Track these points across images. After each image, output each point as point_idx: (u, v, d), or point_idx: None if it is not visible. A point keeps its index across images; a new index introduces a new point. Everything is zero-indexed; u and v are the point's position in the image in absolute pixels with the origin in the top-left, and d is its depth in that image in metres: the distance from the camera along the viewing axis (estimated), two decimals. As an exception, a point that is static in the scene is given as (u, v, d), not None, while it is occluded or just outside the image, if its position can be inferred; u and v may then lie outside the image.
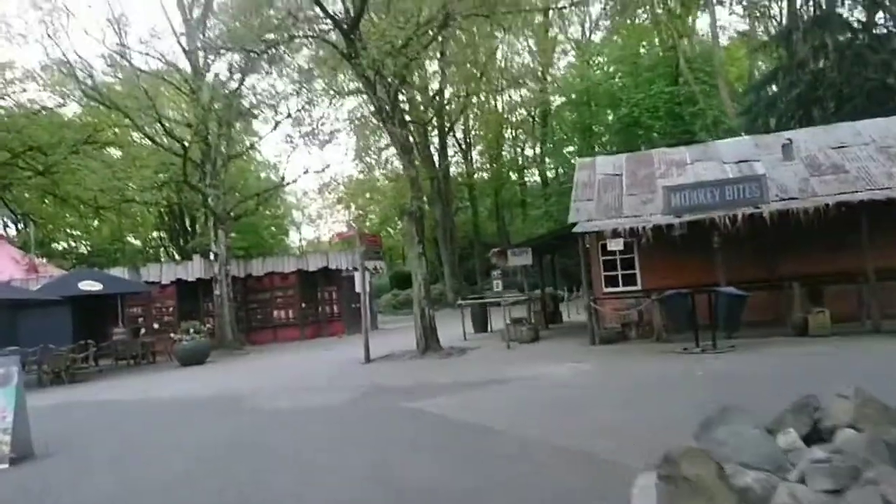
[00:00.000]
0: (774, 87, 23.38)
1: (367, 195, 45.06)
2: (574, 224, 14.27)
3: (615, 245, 12.55)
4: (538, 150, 44.75)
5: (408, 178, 14.04)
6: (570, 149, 40.12)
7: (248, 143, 23.28)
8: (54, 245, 40.28)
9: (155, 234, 45.39)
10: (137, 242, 44.72)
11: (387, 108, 13.34)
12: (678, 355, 10.43)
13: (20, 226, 37.24)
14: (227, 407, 9.54)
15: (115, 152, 29.65)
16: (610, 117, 34.17)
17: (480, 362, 11.94)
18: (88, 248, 42.01)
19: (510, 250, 15.45)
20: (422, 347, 13.54)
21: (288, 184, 22.87)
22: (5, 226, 36.46)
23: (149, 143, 21.87)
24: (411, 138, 14.13)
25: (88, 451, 7.27)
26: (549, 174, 44.28)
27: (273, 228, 48.80)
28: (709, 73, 29.84)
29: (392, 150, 45.14)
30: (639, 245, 13.79)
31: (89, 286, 16.94)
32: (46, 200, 28.04)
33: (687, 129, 28.22)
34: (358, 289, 13.79)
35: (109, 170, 20.36)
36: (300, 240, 60.10)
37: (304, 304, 23.81)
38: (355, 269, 25.02)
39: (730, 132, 24.93)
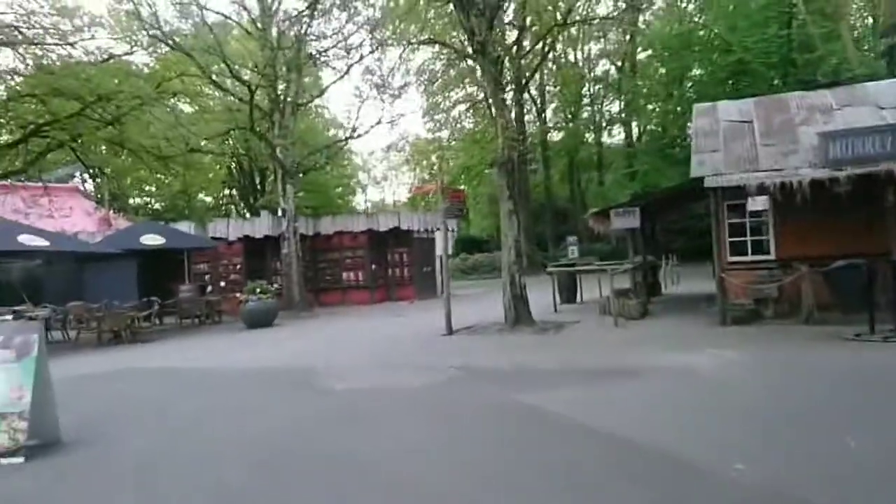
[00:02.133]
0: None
1: (434, 157, 43.31)
2: (697, 180, 11.98)
3: (758, 204, 10.25)
4: (620, 106, 41.53)
5: (499, 121, 12.02)
6: (653, 106, 36.77)
7: (318, 91, 21.62)
8: (130, 200, 40.57)
9: (226, 191, 45.24)
10: (208, 199, 44.66)
11: (478, 38, 11.29)
12: (850, 343, 8.19)
13: (96, 179, 37.49)
14: (294, 384, 8.03)
15: (184, 106, 28.86)
16: (702, 70, 30.75)
17: (588, 343, 10.00)
18: (162, 204, 42.13)
19: (614, 211, 13.29)
20: (511, 320, 11.70)
21: (359, 135, 21.18)
22: (82, 180, 36.74)
23: (216, 93, 20.57)
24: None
25: (125, 441, 5.84)
26: (634, 133, 41.16)
27: (340, 189, 47.86)
28: (829, 15, 26.10)
29: (460, 108, 43.37)
30: (775, 205, 11.43)
31: (152, 240, 15.91)
32: (116, 152, 27.41)
33: (802, 79, 24.78)
34: (439, 250, 12.07)
35: (175, 118, 19.18)
36: (366, 201, 59.20)
37: (373, 266, 22.39)
38: (431, 229, 23.58)
39: (855, 81, 21.59)
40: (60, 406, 6.06)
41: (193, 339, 14.62)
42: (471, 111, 43.68)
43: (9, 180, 24.63)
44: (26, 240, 12.35)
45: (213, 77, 18.66)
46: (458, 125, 43.15)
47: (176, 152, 20.04)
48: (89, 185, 37.86)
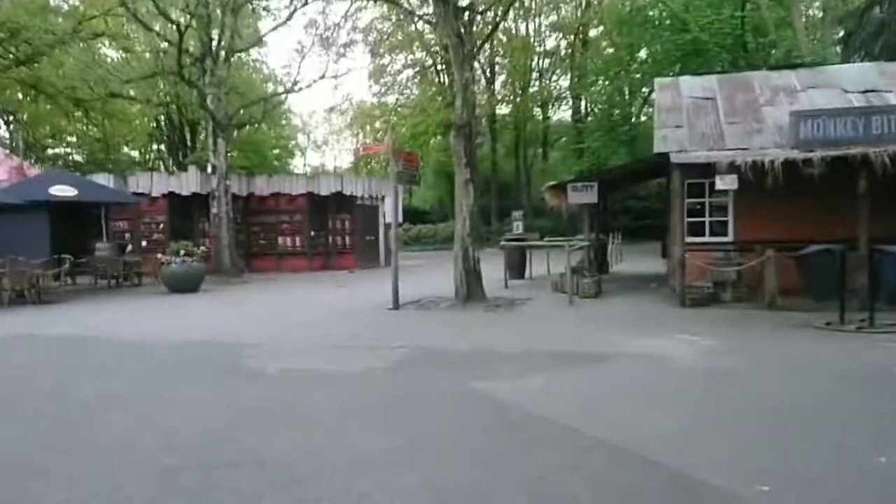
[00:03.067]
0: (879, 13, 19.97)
1: (380, 123, 41.78)
2: (659, 155, 11.45)
3: (727, 183, 9.73)
4: (569, 82, 40.99)
5: (460, 79, 11.04)
6: (603, 84, 36.38)
7: (255, 39, 19.91)
8: (49, 151, 37.30)
9: (154, 146, 42.33)
10: (134, 153, 41.69)
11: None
12: (823, 332, 7.83)
13: (9, 126, 34.19)
14: (218, 364, 6.98)
15: (109, 51, 26.31)
16: (654, 49, 30.51)
17: (546, 322, 9.34)
18: (83, 156, 38.97)
19: (571, 185, 12.64)
20: (462, 295, 10.92)
21: (300, 89, 19.76)
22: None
23: (143, 35, 18.62)
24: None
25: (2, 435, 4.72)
26: (583, 110, 40.81)
27: (277, 151, 45.65)
28: (781, 0, 26.20)
29: (408, 74, 41.86)
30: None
31: (62, 191, 14.20)
32: (31, 97, 24.78)
33: (752, 63, 24.83)
34: (389, 217, 11.15)
35: (92, 57, 17.21)
36: (305, 165, 56.96)
37: (313, 233, 21.13)
38: (375, 196, 22.41)
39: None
40: None
41: (107, 303, 13.18)
42: (418, 78, 42.36)
43: None
44: None
45: (139, 16, 16.74)
46: (406, 91, 41.75)
47: (94, 96, 18.06)
48: (3, 132, 34.55)
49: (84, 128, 33.56)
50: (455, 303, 10.91)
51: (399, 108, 39.11)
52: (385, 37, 38.32)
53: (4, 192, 14.35)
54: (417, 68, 40.90)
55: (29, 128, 32.83)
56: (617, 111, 34.38)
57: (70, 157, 38.84)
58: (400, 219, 11.15)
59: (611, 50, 34.77)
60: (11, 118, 32.11)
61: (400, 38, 38.37)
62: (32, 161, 27.94)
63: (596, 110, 38.43)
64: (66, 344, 8.38)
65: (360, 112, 42.32)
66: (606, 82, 35.04)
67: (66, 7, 22.53)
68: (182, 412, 5.12)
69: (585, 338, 7.86)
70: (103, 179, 19.61)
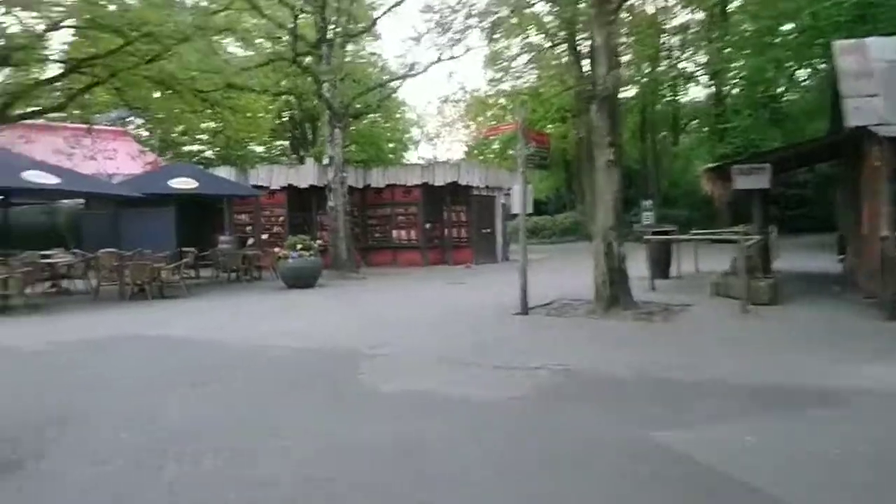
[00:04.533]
0: None
1: (492, 112, 40.34)
2: (849, 130, 9.21)
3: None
4: (703, 59, 37.36)
5: (603, 45, 9.41)
6: (746, 59, 32.65)
7: (369, 22, 19.16)
8: (185, 148, 39.26)
9: (277, 142, 43.56)
10: (259, 149, 43.11)
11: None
12: None
13: (147, 123, 36.15)
14: (329, 380, 5.94)
15: (234, 49, 26.78)
16: (804, 18, 26.72)
17: (719, 337, 7.58)
18: (214, 152, 40.73)
19: (737, 168, 10.59)
20: (604, 299, 9.29)
21: (416, 74, 18.65)
22: (136, 125, 35.38)
23: (259, 21, 18.35)
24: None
25: (68, 471, 3.83)
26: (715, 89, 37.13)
27: (392, 145, 45.54)
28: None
29: (523, 59, 40.04)
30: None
31: (182, 184, 14.03)
32: (160, 91, 25.57)
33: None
34: (516, 208, 9.68)
35: (208, 44, 17.12)
36: (419, 158, 56.74)
37: (427, 225, 20.18)
38: (492, 187, 21.10)
39: None
40: (27, 390, 4.14)
41: (224, 299, 12.80)
42: (533, 64, 40.45)
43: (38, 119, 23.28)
44: (32, 176, 10.56)
45: (254, 1, 16.39)
46: (520, 78, 40.00)
47: (212, 86, 18.02)
48: (140, 130, 36.65)
49: (212, 124, 34.81)
50: (595, 308, 9.32)
51: (517, 95, 37.42)
52: (502, 20, 36.81)
53: (127, 186, 14.43)
54: (533, 53, 39.09)
55: (163, 125, 34.48)
56: (762, 88, 30.73)
57: (201, 154, 40.75)
58: (530, 208, 9.69)
59: (748, 26, 31.13)
60: (146, 113, 33.84)
61: (515, 21, 36.75)
62: (168, 158, 29.17)
63: (736, 89, 34.77)
64: (171, 348, 7.72)
65: (474, 101, 41.07)
66: (749, 58, 31.44)
67: (188, 2, 22.82)
68: (278, 450, 4.03)
69: (789, 363, 6.06)
70: (225, 173, 19.72)
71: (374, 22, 19.77)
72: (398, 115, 44.54)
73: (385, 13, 18.21)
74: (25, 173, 10.44)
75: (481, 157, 41.35)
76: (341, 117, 17.40)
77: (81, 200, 21.85)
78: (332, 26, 16.80)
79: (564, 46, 34.52)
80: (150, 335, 8.42)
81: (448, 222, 20.54)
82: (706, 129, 36.54)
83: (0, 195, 12.11)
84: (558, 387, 5.47)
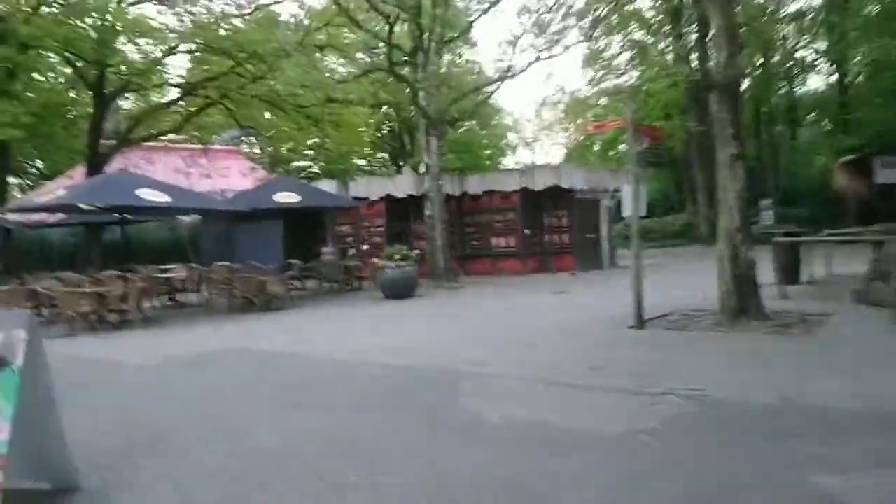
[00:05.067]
0: None
1: (591, 113, 39.01)
2: None
3: None
4: (823, 47, 34.23)
5: (723, 27, 8.50)
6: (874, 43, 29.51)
7: (463, 27, 18.88)
8: (294, 164, 40.88)
9: (378, 155, 44.47)
10: (361, 161, 44.16)
11: None
12: None
13: (257, 141, 37.95)
14: (426, 402, 5.54)
15: (322, 55, 27.46)
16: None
17: (873, 354, 6.50)
18: (320, 166, 42.13)
19: (881, 160, 9.26)
20: (731, 309, 8.33)
21: (512, 76, 18.14)
22: (248, 143, 37.23)
23: (356, 34, 18.57)
24: None
25: (164, 496, 3.62)
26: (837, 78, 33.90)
27: (489, 151, 45.22)
28: None
29: (624, 57, 38.42)
30: None
31: (286, 198, 14.29)
32: (267, 110, 26.63)
33: None
34: (627, 210, 8.90)
35: (308, 60, 17.46)
36: (516, 164, 56.08)
37: (527, 231, 19.56)
38: (596, 189, 20.13)
39: None
40: (126, 409, 4.04)
41: (325, 310, 12.82)
42: (636, 60, 38.75)
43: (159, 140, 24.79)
44: (146, 194, 11.02)
45: (350, 13, 16.54)
46: (623, 75, 38.42)
47: (313, 101, 18.38)
48: (255, 150, 38.45)
49: (316, 140, 35.96)
50: (721, 320, 8.37)
51: (619, 93, 35.97)
52: (600, 19, 35.54)
53: (235, 201, 14.89)
54: (635, 49, 37.44)
55: (272, 143, 36.00)
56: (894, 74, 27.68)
57: (308, 169, 42.26)
58: (643, 210, 8.91)
59: (872, 7, 28.08)
60: (255, 132, 35.46)
61: (614, 21, 35.36)
62: (278, 173, 30.37)
63: (862, 77, 31.56)
64: (270, 363, 7.63)
65: (573, 102, 39.97)
66: (875, 41, 28.43)
67: (292, 21, 23.54)
68: (372, 485, 3.63)
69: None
70: (327, 186, 20.08)
71: (469, 26, 19.47)
72: (495, 121, 44.22)
73: (479, 17, 17.82)
74: (139, 191, 10.91)
75: (582, 160, 40.16)
76: (437, 125, 17.19)
77: (198, 216, 23.10)
78: (428, 34, 16.63)
79: (669, 40, 32.90)
80: (253, 349, 8.40)
81: (549, 228, 19.82)
82: (827, 121, 33.47)
83: (117, 213, 12.73)
84: (691, 417, 4.74)
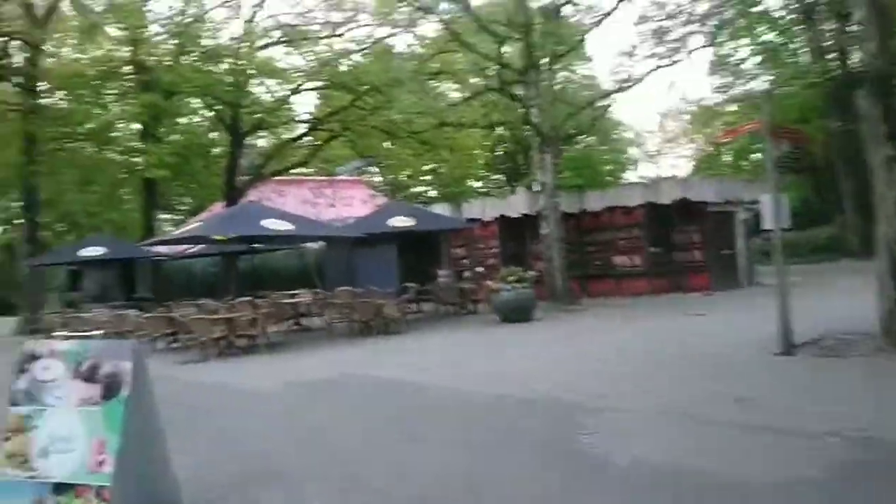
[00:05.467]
0: None
1: (719, 122, 36.59)
2: None
3: None
4: None
5: (873, 16, 7.44)
6: None
7: (575, 39, 18.32)
8: (412, 189, 41.96)
9: (494, 176, 44.50)
10: (477, 184, 44.36)
11: None
12: None
13: (378, 169, 39.33)
14: (543, 439, 5.09)
15: (450, 92, 27.87)
16: None
17: None
18: (437, 191, 42.85)
19: None
20: (893, 332, 7.11)
21: (630, 86, 17.30)
22: (370, 173, 38.70)
23: (466, 56, 18.60)
24: None
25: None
26: None
27: (609, 167, 43.73)
28: None
29: (752, 61, 35.81)
30: None
31: (400, 222, 14.40)
32: (385, 139, 27.46)
33: None
34: (768, 222, 7.95)
35: (419, 86, 17.68)
36: (639, 179, 53.79)
37: (653, 248, 18.39)
38: (730, 201, 18.63)
39: None
40: (245, 438, 4.26)
41: (441, 335, 12.64)
42: (767, 63, 36.00)
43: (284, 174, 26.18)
44: (270, 224, 11.48)
45: (460, 36, 16.56)
46: (754, 80, 35.81)
47: (426, 126, 18.57)
48: (378, 178, 39.85)
49: (432, 165, 36.59)
50: (883, 344, 7.18)
51: (751, 98, 33.55)
52: (725, 21, 33.43)
53: (352, 227, 15.22)
54: (765, 52, 34.80)
55: (391, 171, 37.10)
56: None
57: (424, 194, 43.11)
58: (786, 222, 7.92)
59: None
60: (375, 161, 36.69)
61: (741, 22, 33.10)
62: (399, 199, 31.23)
63: None
64: (385, 391, 7.47)
65: (699, 110, 37.78)
66: None
67: (406, 51, 24.11)
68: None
69: None
70: (441, 209, 20.14)
71: (581, 40, 18.89)
72: (614, 136, 42.77)
73: (591, 29, 17.20)
74: (264, 222, 11.37)
75: (711, 172, 37.82)
76: (552, 142, 16.69)
77: (323, 243, 24.07)
78: (539, 51, 16.27)
79: (802, 39, 30.26)
80: (370, 376, 8.31)
81: (678, 244, 18.51)
82: None
83: (245, 243, 13.37)
84: (862, 464, 3.92)
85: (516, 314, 13.40)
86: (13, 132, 19.16)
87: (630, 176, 51.02)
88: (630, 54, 17.30)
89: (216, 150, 25.45)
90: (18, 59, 20.03)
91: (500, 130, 32.38)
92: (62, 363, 3.68)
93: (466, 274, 19.68)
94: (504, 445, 4.96)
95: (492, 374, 7.90)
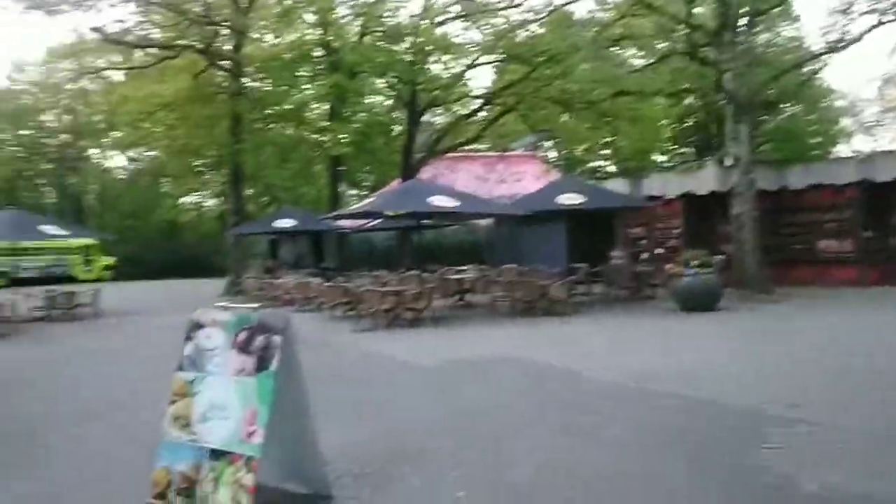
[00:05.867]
0: None
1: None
2: None
3: None
4: None
5: None
6: None
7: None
8: (589, 164, 40.52)
9: (682, 151, 41.40)
10: (661, 158, 41.60)
11: None
12: None
13: (551, 144, 38.47)
14: (724, 453, 4.42)
15: (634, 60, 26.21)
16: None
17: None
18: (617, 166, 40.89)
19: None
20: None
21: (844, 47, 14.84)
22: (544, 148, 37.99)
23: (649, 20, 17.18)
24: None
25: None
26: None
27: (817, 139, 38.48)
28: None
29: None
30: None
31: (569, 199, 13.76)
32: (565, 115, 26.56)
33: None
34: None
35: (595, 52, 16.62)
36: (852, 153, 46.73)
37: (868, 233, 15.82)
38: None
39: None
40: (398, 415, 4.72)
41: (608, 320, 11.94)
42: None
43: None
44: (437, 200, 11.57)
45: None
46: None
47: (603, 96, 17.52)
48: (552, 153, 39.02)
49: (612, 138, 34.86)
50: None
51: None
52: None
53: (518, 205, 14.87)
54: None
55: (566, 145, 35.97)
56: None
57: (602, 169, 41.30)
58: None
59: None
60: (552, 138, 35.77)
61: None
62: (576, 175, 30.37)
63: None
64: (544, 376, 7.14)
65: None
66: None
67: (586, 17, 22.91)
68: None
69: None
70: (617, 185, 19.06)
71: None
72: (823, 104, 37.52)
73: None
74: (431, 198, 11.46)
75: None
76: (748, 110, 14.88)
77: (491, 220, 24.10)
78: (736, 9, 14.49)
79: None
80: (527, 359, 8.01)
81: (898, 229, 15.75)
82: None
83: (414, 218, 13.62)
84: None
85: (698, 302, 12.24)
86: (222, 114, 21.40)
87: (841, 150, 44.63)
88: (845, 11, 14.83)
89: (396, 128, 26.44)
90: (226, 46, 22.22)
91: (689, 100, 29.95)
92: (223, 332, 3.82)
93: (644, 256, 18.51)
94: (668, 452, 4.39)
95: (662, 368, 7.19)
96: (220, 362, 3.76)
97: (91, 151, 43.89)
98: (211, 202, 42.72)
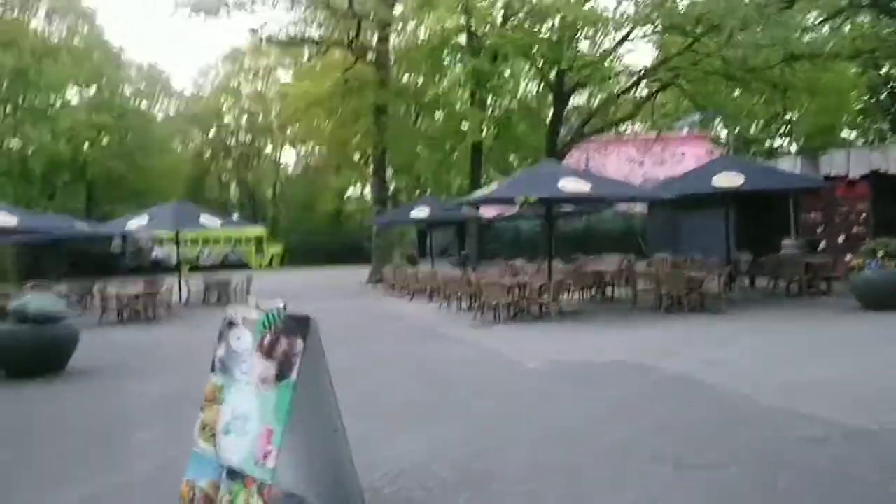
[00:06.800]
0: None
1: None
2: None
3: None
4: None
5: None
6: None
7: None
8: (768, 143, 36.64)
9: (878, 125, 35.73)
10: (852, 135, 36.26)
11: None
12: None
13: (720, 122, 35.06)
14: (870, 484, 3.25)
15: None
16: None
17: None
18: (797, 144, 36.41)
19: None
20: None
21: None
22: (713, 127, 34.76)
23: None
24: None
25: None
26: None
27: None
28: None
29: None
30: None
31: (726, 181, 12.00)
32: (723, 87, 23.84)
33: None
34: None
35: (762, 14, 14.35)
36: None
37: None
38: None
39: None
40: (481, 426, 4.27)
41: (771, 319, 10.26)
42: None
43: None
44: (567, 184, 10.61)
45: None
46: None
47: (771, 62, 15.22)
48: (721, 132, 35.78)
49: (788, 113, 30.94)
50: None
51: None
52: None
53: (665, 187, 13.33)
54: None
55: (736, 121, 32.51)
56: None
57: (780, 148, 36.87)
58: None
59: None
60: (718, 114, 32.50)
61: None
62: (750, 155, 27.42)
63: None
64: (665, 389, 6.06)
65: None
66: None
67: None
68: None
69: None
70: (791, 164, 16.58)
71: None
72: None
73: None
74: (561, 182, 10.54)
75: None
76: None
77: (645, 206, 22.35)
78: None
79: None
80: (650, 367, 6.90)
81: None
82: None
83: (545, 204, 12.70)
84: None
85: (885, 300, 10.11)
86: (367, 105, 21.87)
87: None
88: None
89: (541, 112, 25.45)
90: (371, 38, 22.63)
91: (885, 69, 25.66)
92: (250, 334, 3.44)
93: (822, 245, 15.95)
94: (819, 495, 3.31)
95: (821, 384, 5.80)
96: (246, 368, 3.39)
97: (266, 150, 47.79)
98: (368, 192, 44.76)
